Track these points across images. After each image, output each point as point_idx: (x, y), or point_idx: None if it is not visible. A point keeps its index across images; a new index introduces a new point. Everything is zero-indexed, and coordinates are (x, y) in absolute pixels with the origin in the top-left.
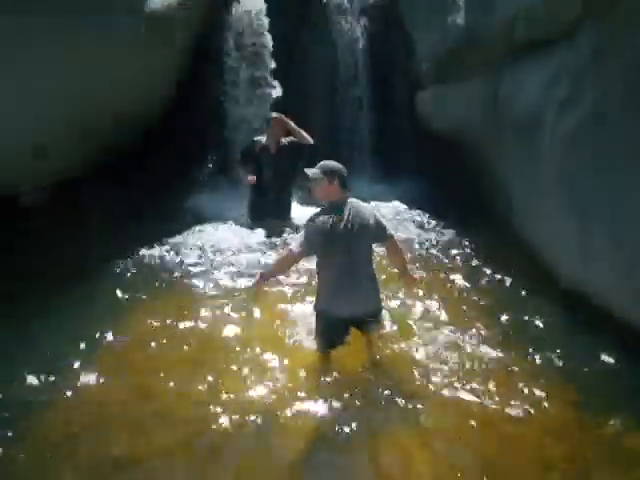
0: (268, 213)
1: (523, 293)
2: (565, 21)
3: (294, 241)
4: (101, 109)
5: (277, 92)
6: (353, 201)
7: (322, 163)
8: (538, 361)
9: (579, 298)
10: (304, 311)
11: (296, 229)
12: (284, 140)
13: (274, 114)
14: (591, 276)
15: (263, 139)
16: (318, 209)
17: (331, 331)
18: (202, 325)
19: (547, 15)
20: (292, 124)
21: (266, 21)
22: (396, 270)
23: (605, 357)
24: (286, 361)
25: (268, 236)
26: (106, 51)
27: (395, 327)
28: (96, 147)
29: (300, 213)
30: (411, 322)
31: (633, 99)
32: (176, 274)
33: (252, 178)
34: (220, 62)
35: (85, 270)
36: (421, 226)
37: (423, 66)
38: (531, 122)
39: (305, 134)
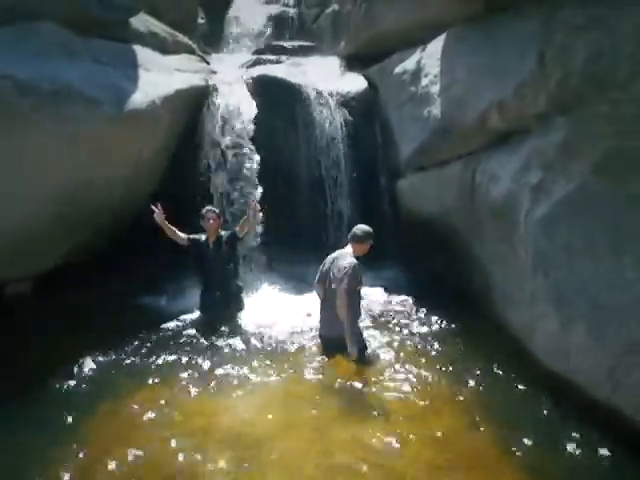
0: (216, 307)
1: (504, 377)
2: (534, 114)
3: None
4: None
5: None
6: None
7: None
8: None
9: (561, 385)
10: None
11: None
12: (221, 232)
13: (209, 207)
14: (573, 366)
15: (203, 237)
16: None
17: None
18: None
19: (517, 108)
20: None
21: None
22: None
23: (600, 450)
24: None
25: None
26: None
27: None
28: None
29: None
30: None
31: (604, 188)
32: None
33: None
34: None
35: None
36: (406, 312)
37: (402, 155)
38: (506, 207)
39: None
